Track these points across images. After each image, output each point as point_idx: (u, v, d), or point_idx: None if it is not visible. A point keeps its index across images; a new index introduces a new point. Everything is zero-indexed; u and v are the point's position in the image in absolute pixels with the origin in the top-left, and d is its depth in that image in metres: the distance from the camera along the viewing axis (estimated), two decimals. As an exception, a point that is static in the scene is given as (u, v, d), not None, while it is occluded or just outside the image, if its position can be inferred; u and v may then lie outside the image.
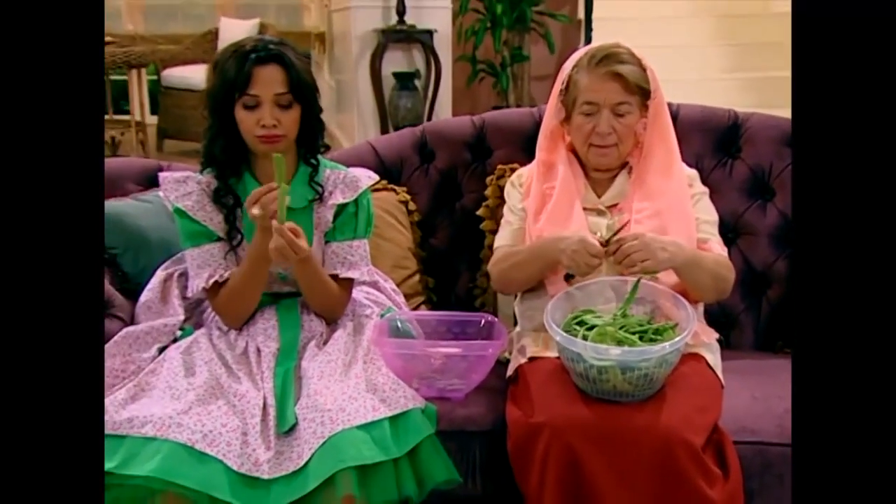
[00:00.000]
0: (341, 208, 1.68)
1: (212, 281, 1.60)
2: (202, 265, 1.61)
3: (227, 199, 1.62)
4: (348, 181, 1.69)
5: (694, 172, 1.78)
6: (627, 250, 1.51)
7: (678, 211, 1.66)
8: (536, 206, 1.70)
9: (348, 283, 1.69)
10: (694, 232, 1.65)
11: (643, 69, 1.64)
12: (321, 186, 1.67)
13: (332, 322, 1.69)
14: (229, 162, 1.62)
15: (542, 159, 1.75)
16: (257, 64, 1.54)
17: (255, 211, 1.50)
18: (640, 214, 1.65)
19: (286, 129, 1.58)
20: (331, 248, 1.68)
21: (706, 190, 1.76)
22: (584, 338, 1.43)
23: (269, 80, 1.55)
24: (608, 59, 1.61)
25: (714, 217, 1.73)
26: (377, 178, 1.76)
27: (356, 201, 1.69)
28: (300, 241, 1.51)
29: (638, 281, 1.53)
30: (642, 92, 1.64)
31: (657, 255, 1.51)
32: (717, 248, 1.68)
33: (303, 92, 1.58)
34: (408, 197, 2.05)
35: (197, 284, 1.61)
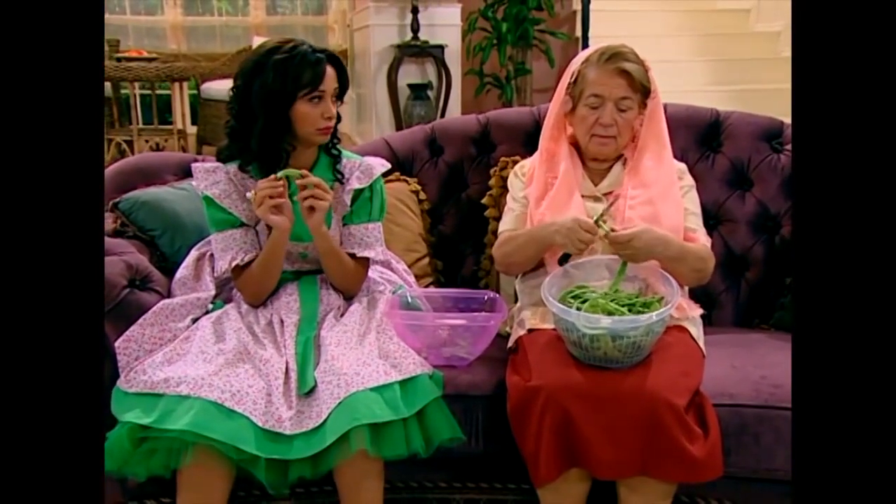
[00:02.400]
0: (358, 193, 1.67)
1: (234, 263, 1.59)
2: (225, 249, 1.60)
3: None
4: (363, 168, 1.68)
5: (683, 166, 1.76)
6: (620, 250, 1.52)
7: (668, 199, 1.64)
8: (539, 194, 1.69)
9: (365, 262, 1.68)
10: (682, 219, 1.64)
11: (646, 70, 1.63)
12: (341, 174, 1.67)
13: (349, 297, 1.68)
14: (274, 156, 1.58)
15: (546, 147, 1.73)
16: (326, 63, 1.56)
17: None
18: (633, 201, 1.64)
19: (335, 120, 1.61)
20: (348, 230, 1.67)
21: (693, 183, 1.74)
22: (578, 309, 1.42)
23: (331, 77, 1.57)
24: (616, 56, 1.61)
25: (698, 209, 1.72)
26: (389, 165, 1.75)
27: (371, 187, 1.68)
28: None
29: (625, 263, 1.52)
30: (644, 90, 1.63)
31: (638, 258, 1.52)
32: (703, 239, 1.66)
33: (343, 88, 1.61)
34: (418, 187, 2.03)
35: (220, 266, 1.61)
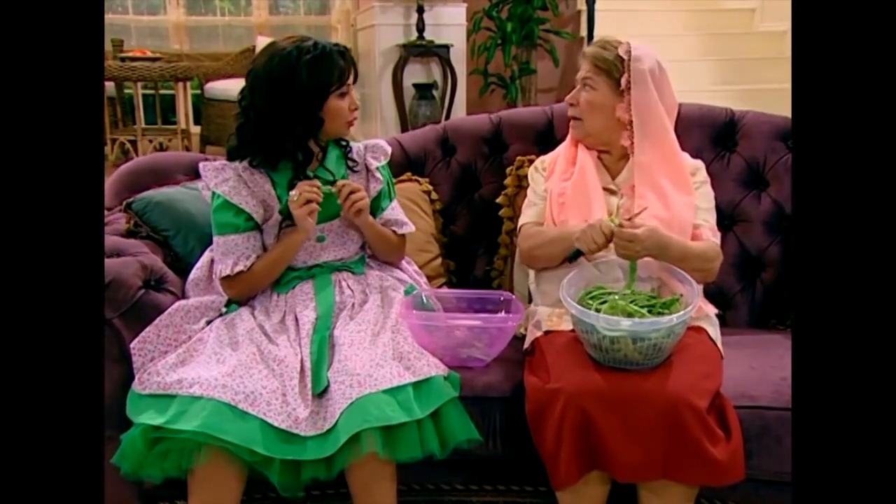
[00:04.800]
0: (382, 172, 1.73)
1: (237, 269, 1.58)
2: (226, 253, 1.59)
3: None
4: (371, 148, 1.74)
5: (699, 163, 1.74)
6: (621, 248, 1.48)
7: (677, 195, 1.62)
8: (558, 187, 1.69)
9: (404, 238, 1.78)
10: (691, 216, 1.62)
11: (618, 55, 1.62)
12: (354, 161, 1.69)
13: (394, 264, 1.77)
14: (305, 154, 1.62)
15: (571, 142, 1.76)
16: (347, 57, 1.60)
17: (293, 193, 1.55)
18: (643, 200, 1.61)
19: None
20: (382, 219, 1.73)
21: (707, 179, 1.72)
22: (598, 311, 1.40)
23: (350, 70, 1.61)
24: (591, 44, 1.71)
25: (710, 204, 1.69)
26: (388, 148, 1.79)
27: (381, 170, 1.73)
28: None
29: (635, 262, 1.49)
30: (611, 73, 1.63)
31: (636, 258, 1.49)
32: (708, 235, 1.63)
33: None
34: (430, 187, 2.02)
35: (220, 269, 1.59)
